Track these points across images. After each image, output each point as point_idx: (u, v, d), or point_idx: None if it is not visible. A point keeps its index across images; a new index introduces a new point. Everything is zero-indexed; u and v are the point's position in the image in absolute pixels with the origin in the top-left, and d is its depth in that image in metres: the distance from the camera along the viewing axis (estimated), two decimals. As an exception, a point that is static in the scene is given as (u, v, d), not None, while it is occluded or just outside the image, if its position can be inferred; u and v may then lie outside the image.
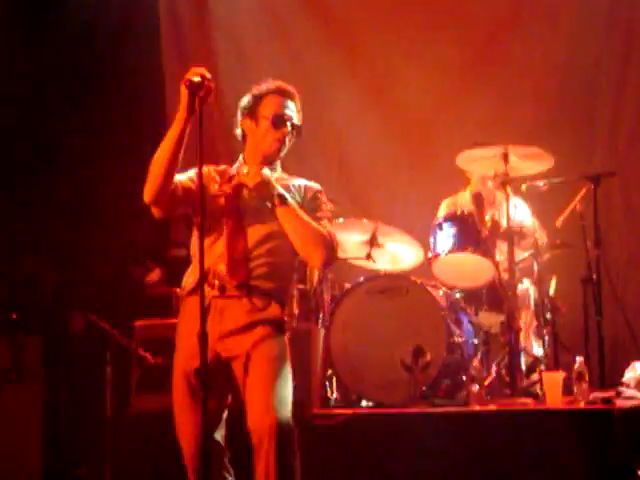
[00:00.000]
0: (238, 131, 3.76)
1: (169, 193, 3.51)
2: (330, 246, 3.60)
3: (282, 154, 3.73)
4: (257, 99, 3.70)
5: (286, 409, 3.44)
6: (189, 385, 3.49)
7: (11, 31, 6.36)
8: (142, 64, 7.15)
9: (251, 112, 3.70)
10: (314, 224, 3.59)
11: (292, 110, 3.70)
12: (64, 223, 6.46)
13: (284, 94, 3.72)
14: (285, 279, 3.66)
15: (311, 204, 3.68)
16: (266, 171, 3.61)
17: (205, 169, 3.53)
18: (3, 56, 6.21)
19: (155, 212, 3.59)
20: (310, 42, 7.60)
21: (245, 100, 3.74)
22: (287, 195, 3.59)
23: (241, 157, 3.75)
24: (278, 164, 3.75)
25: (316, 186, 3.79)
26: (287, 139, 3.69)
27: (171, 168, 3.47)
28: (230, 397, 3.63)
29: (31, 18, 6.43)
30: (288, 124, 3.67)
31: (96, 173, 6.54)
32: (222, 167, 3.77)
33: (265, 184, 3.57)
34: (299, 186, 3.74)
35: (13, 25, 6.39)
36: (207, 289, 3.47)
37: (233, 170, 3.72)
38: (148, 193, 3.51)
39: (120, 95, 6.90)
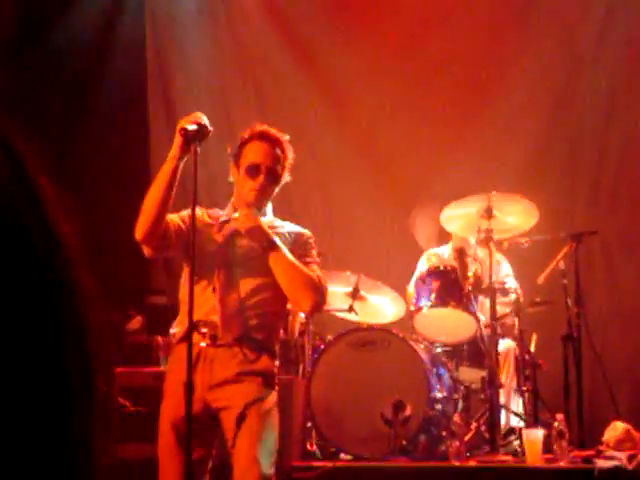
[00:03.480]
0: (230, 178, 3.75)
1: (161, 232, 3.45)
2: (319, 290, 3.56)
3: (264, 202, 3.66)
4: (241, 146, 3.65)
5: (270, 466, 3.40)
6: (177, 434, 3.41)
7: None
8: (128, 108, 7.18)
9: (235, 159, 3.66)
10: (304, 268, 3.55)
11: (273, 158, 3.59)
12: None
13: (267, 140, 3.61)
14: (275, 330, 3.65)
15: (300, 249, 3.64)
16: (256, 214, 3.59)
17: (198, 212, 3.51)
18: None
19: (146, 251, 3.52)
20: (297, 93, 7.66)
21: (235, 147, 3.70)
22: (277, 239, 3.56)
23: (230, 203, 3.74)
24: (269, 209, 3.71)
25: (307, 232, 3.77)
26: (265, 188, 3.60)
27: (163, 206, 3.41)
28: (215, 448, 3.58)
29: (24, 48, 6.48)
30: (264, 173, 3.57)
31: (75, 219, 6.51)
32: (213, 210, 3.75)
33: (256, 228, 3.54)
34: (289, 232, 3.72)
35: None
36: (198, 337, 3.43)
37: (224, 215, 3.70)
38: (139, 230, 3.44)
39: (103, 143, 6.90)
